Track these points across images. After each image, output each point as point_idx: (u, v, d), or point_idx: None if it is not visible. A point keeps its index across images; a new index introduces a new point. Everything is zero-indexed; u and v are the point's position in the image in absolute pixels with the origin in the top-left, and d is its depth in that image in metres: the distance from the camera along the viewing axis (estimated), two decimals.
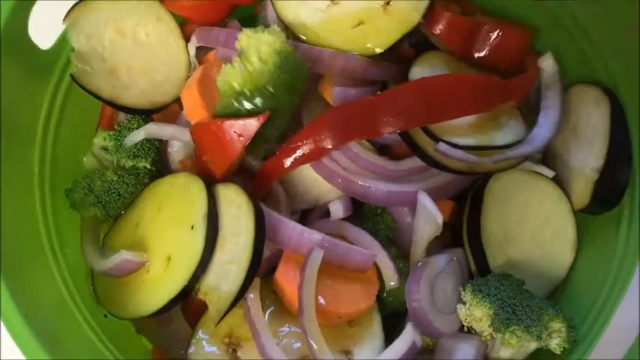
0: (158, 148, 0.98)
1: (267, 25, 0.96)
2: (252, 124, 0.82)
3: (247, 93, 0.83)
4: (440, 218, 0.86)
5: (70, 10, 0.93)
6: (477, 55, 0.96)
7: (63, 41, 0.94)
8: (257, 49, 0.83)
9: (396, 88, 0.85)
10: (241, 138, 0.83)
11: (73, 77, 0.93)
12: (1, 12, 0.81)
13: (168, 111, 1.01)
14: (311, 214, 0.96)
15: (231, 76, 0.84)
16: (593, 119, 0.90)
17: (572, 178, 0.94)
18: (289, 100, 0.86)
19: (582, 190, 0.92)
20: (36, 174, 0.92)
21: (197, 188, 0.85)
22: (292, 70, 0.84)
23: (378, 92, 0.90)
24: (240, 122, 0.82)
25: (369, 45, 0.90)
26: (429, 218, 0.87)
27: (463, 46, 0.96)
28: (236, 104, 0.83)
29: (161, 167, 1.00)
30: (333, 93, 0.91)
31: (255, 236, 0.79)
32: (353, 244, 0.88)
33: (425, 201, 0.87)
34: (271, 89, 0.83)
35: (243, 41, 0.84)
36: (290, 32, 0.92)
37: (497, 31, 0.94)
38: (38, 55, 0.91)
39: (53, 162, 0.95)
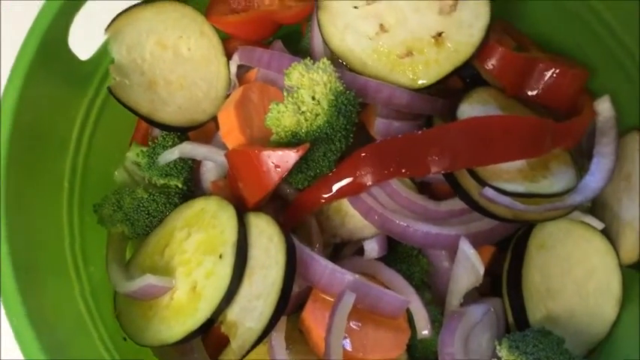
0: (191, 167, 0.95)
1: (312, 51, 0.93)
2: (291, 156, 0.79)
3: (302, 135, 0.80)
4: (481, 269, 0.82)
5: (113, 20, 0.91)
6: (529, 93, 0.92)
7: (102, 53, 0.92)
8: (310, 88, 0.80)
9: (444, 126, 0.81)
10: (278, 169, 0.80)
11: (110, 90, 0.90)
12: (42, 20, 0.79)
13: (204, 128, 0.98)
14: (344, 248, 0.92)
15: (283, 116, 0.81)
16: None
17: (621, 231, 0.89)
18: (345, 139, 0.82)
19: (632, 244, 0.87)
20: (65, 187, 0.90)
21: (228, 215, 0.82)
22: (347, 111, 0.80)
23: (423, 127, 0.86)
24: (279, 153, 0.79)
25: (416, 77, 0.86)
26: (469, 268, 0.82)
27: (515, 83, 0.91)
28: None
29: (193, 187, 0.97)
30: (376, 125, 0.87)
31: (286, 271, 0.76)
32: (385, 286, 0.84)
33: (467, 249, 0.82)
34: (328, 132, 0.80)
35: (293, 78, 0.81)
36: (335, 58, 0.88)
37: (553, 69, 0.89)
38: (76, 66, 0.89)
39: (84, 175, 0.93)
